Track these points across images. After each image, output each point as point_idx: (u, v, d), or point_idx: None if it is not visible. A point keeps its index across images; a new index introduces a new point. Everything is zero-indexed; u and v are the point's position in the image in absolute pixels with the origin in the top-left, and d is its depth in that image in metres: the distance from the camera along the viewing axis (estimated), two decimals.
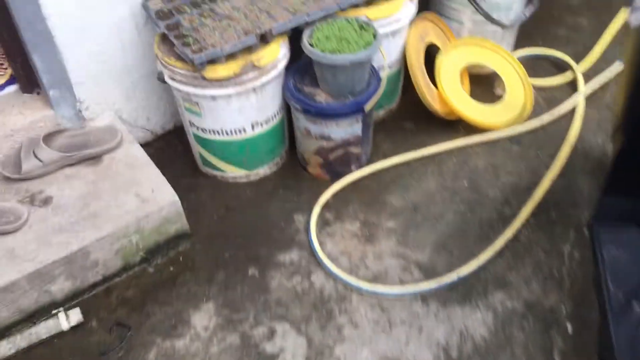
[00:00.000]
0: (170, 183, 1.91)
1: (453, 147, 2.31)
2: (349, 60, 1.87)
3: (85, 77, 2.02)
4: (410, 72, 2.31)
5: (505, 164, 2.23)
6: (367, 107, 2.00)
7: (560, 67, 2.68)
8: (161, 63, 1.93)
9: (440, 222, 2.03)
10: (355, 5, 2.01)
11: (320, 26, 1.97)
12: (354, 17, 2.01)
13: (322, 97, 2.00)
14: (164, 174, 1.95)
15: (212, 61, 1.82)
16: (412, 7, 2.16)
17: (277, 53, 1.93)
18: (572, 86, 2.55)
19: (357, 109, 1.99)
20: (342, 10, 1.98)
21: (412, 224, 2.03)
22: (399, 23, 2.12)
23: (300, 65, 2.05)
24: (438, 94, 2.35)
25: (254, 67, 1.87)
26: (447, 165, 2.24)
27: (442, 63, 2.39)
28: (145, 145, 2.30)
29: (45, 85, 1.97)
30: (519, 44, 2.69)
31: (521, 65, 2.42)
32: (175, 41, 1.86)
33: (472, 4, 2.33)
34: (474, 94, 2.43)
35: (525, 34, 2.68)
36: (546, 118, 2.40)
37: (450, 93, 2.34)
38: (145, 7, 1.96)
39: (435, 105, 2.32)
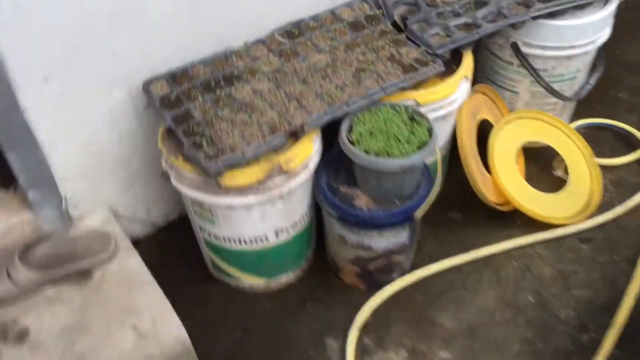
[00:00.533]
0: (174, 294, 1.53)
1: (511, 248, 1.93)
2: (399, 166, 1.50)
3: (73, 172, 1.65)
4: (462, 158, 1.94)
5: (575, 271, 1.86)
6: (418, 214, 1.63)
7: (624, 138, 2.31)
8: (166, 162, 1.55)
9: (504, 354, 1.65)
10: (403, 88, 1.63)
11: (361, 117, 1.60)
12: (402, 104, 1.63)
13: (362, 201, 1.63)
14: (166, 279, 1.58)
15: (231, 165, 1.44)
16: (467, 86, 1.79)
17: (310, 151, 1.56)
18: None
19: (405, 218, 1.62)
20: (388, 95, 1.60)
21: (469, 355, 1.65)
22: (452, 105, 1.76)
23: (333, 157, 1.68)
24: (492, 181, 1.98)
25: (281, 171, 1.50)
26: (505, 271, 1.87)
27: (496, 143, 2.02)
28: (145, 240, 1.94)
29: (23, 185, 1.59)
30: (576, 110, 2.32)
31: (586, 144, 2.05)
32: (184, 140, 1.48)
33: (532, 75, 1.97)
34: (530, 177, 2.07)
35: (582, 99, 2.31)
36: (619, 210, 2.02)
37: (506, 180, 1.97)
38: (147, 91, 1.59)
39: (489, 195, 1.95)
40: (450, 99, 1.74)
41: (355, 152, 1.52)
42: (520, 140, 2.06)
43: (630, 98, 2.52)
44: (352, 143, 1.56)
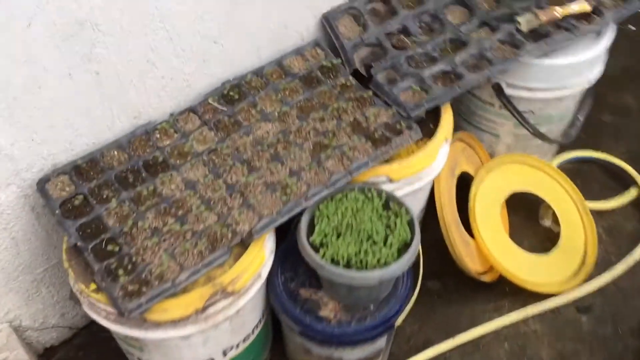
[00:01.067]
0: None
1: (502, 326, 1.65)
2: (377, 280, 1.18)
3: None
4: (442, 227, 1.64)
5: (576, 351, 1.59)
6: (398, 320, 1.31)
7: (613, 173, 2.05)
8: (74, 287, 1.19)
9: None
10: (374, 166, 1.30)
11: (324, 208, 1.27)
12: (374, 188, 1.30)
13: (329, 310, 1.30)
14: None
15: (158, 299, 1.09)
16: (447, 148, 1.47)
17: (261, 260, 1.22)
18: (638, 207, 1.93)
19: (383, 329, 1.30)
20: (352, 175, 1.27)
21: None
22: (430, 175, 1.44)
23: (289, 249, 1.35)
24: (475, 247, 1.68)
25: (226, 293, 1.15)
26: (498, 354, 1.59)
27: (477, 199, 1.72)
28: (62, 347, 1.57)
29: None
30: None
31: (576, 189, 1.78)
32: (94, 264, 1.12)
33: (517, 119, 1.66)
34: (515, 230, 1.81)
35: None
36: (619, 269, 1.77)
37: (491, 243, 1.69)
38: (42, 191, 1.20)
39: (472, 265, 1.66)
40: (429, 170, 1.41)
41: (320, 263, 1.18)
42: (504, 192, 1.77)
43: (615, 121, 2.26)
44: (315, 248, 1.22)
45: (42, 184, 1.23)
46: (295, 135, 1.35)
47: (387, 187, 1.37)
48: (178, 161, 1.30)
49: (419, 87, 1.44)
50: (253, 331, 1.38)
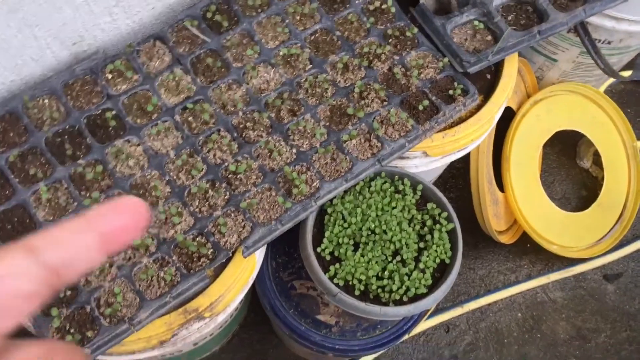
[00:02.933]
0: None
1: (517, 292, 1.44)
2: (403, 316, 0.90)
3: None
4: (472, 180, 1.33)
5: (596, 329, 1.41)
6: (410, 332, 1.07)
7: None
8: None
9: None
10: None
11: (339, 203, 0.94)
12: (404, 174, 0.96)
13: (330, 313, 1.05)
14: None
15: (109, 344, 0.80)
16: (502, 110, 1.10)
17: (251, 271, 0.91)
18: None
19: (395, 338, 1.06)
20: (382, 164, 0.92)
21: None
22: (476, 142, 1.09)
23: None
24: (503, 203, 1.40)
25: (202, 317, 0.87)
26: (508, 327, 1.39)
27: (515, 141, 1.39)
28: None
29: None
30: None
31: (630, 129, 1.48)
32: None
33: (590, 52, 1.27)
34: (548, 171, 1.50)
35: None
36: None
37: (522, 199, 1.39)
38: None
39: (497, 224, 1.38)
40: (478, 140, 1.06)
41: (330, 288, 0.88)
42: (547, 131, 1.44)
43: None
44: (322, 260, 0.91)
45: None
46: (306, 90, 0.95)
47: (417, 162, 1.02)
48: (138, 120, 0.91)
49: (483, 24, 1.02)
50: (227, 320, 1.12)
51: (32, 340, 0.23)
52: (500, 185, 1.39)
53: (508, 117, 1.39)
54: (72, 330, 0.78)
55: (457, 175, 1.51)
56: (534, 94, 1.44)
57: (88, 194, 0.86)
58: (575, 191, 1.54)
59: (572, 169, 1.58)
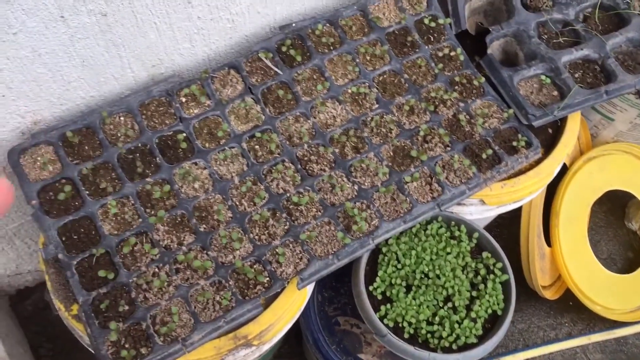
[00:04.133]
0: None
1: (556, 350, 1.41)
2: None
3: None
4: (522, 232, 1.32)
5: None
6: None
7: None
8: (52, 299, 0.90)
9: None
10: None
11: (394, 243, 0.93)
12: (461, 220, 0.96)
13: (372, 352, 1.04)
14: None
15: None
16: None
17: (301, 303, 0.91)
18: None
19: None
20: (442, 209, 0.92)
21: None
22: (533, 195, 1.08)
23: None
24: (550, 257, 1.38)
25: (250, 345, 0.87)
26: None
27: (565, 198, 1.38)
28: (37, 287, 1.34)
29: None
30: None
31: None
32: (79, 293, 0.83)
33: None
34: (595, 231, 1.48)
35: None
36: None
37: (569, 254, 1.37)
38: (15, 167, 0.87)
39: (542, 278, 1.36)
40: (535, 194, 1.05)
41: (379, 327, 0.88)
42: (598, 189, 1.42)
43: None
44: (374, 299, 0.91)
45: (15, 156, 0.87)
46: (371, 129, 0.97)
47: (472, 209, 1.02)
48: (207, 144, 0.93)
49: (550, 79, 1.03)
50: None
51: None
52: (547, 240, 1.38)
53: (560, 172, 1.38)
54: (127, 345, 0.79)
55: (502, 225, 1.50)
56: (587, 151, 1.43)
57: (153, 212, 0.87)
58: (621, 252, 1.52)
59: (619, 229, 1.56)
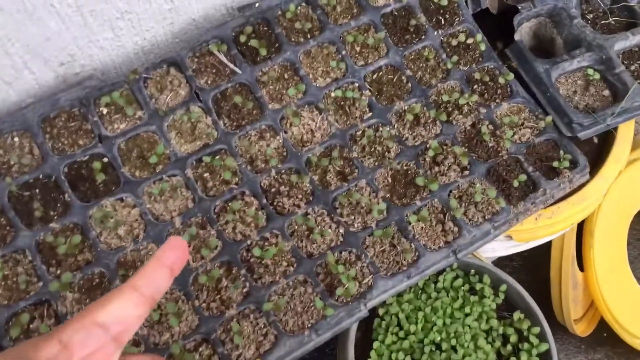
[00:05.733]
0: None
1: None
2: None
3: None
4: (553, 260, 1.08)
5: None
6: None
7: None
8: None
9: None
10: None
11: (394, 303, 0.69)
12: (484, 268, 0.71)
13: None
14: None
15: None
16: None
17: None
18: None
19: None
20: (458, 256, 0.67)
21: None
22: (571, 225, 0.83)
23: None
24: (582, 282, 1.14)
25: None
26: None
27: (601, 211, 1.13)
28: None
29: None
30: None
31: None
32: None
33: None
34: (634, 252, 1.24)
35: None
36: None
37: (605, 279, 1.13)
38: None
39: (574, 310, 1.12)
40: (576, 224, 0.80)
41: None
42: None
43: None
44: None
45: None
46: (362, 148, 0.71)
47: (496, 245, 0.77)
48: (137, 173, 0.67)
49: (599, 73, 0.77)
50: None
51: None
52: (580, 263, 1.13)
53: None
54: None
55: (526, 257, 1.26)
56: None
57: (58, 271, 0.62)
58: None
59: None
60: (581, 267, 1.13)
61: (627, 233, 1.15)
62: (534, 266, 1.22)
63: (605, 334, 1.19)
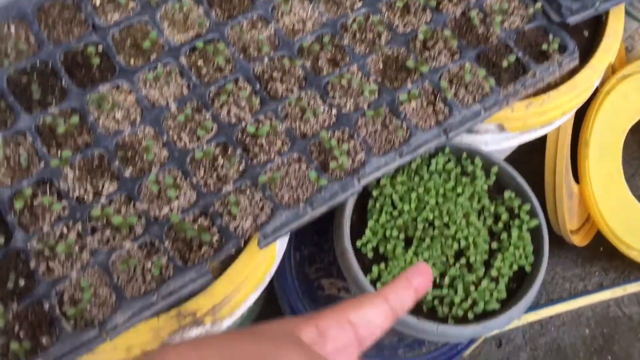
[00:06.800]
0: None
1: (586, 305, 1.20)
2: (469, 337, 0.67)
3: None
4: (547, 168, 1.10)
5: None
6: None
7: None
8: None
9: None
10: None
11: (387, 184, 0.71)
12: (475, 151, 0.73)
13: None
14: None
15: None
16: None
17: (269, 266, 0.69)
18: None
19: (450, 356, 0.84)
20: (449, 135, 0.68)
21: None
22: (564, 119, 0.85)
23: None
24: (578, 196, 1.16)
25: (201, 323, 0.65)
26: (572, 342, 1.16)
27: (596, 124, 1.15)
28: None
29: None
30: None
31: None
32: None
33: None
34: (629, 165, 1.26)
35: None
36: None
37: (601, 191, 1.15)
38: None
39: (570, 221, 1.14)
40: (569, 114, 0.82)
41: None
42: (637, 111, 1.19)
43: None
44: (363, 257, 0.69)
45: None
46: (353, 35, 0.72)
47: (488, 138, 0.79)
48: (132, 61, 0.69)
49: None
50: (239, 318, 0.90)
51: None
52: (575, 175, 1.15)
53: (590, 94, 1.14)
54: (21, 334, 0.57)
55: (518, 161, 1.26)
56: (620, 68, 1.19)
57: (58, 153, 0.64)
58: None
59: None
60: (577, 180, 1.15)
61: (621, 147, 1.16)
62: (529, 174, 1.23)
63: (601, 248, 1.21)
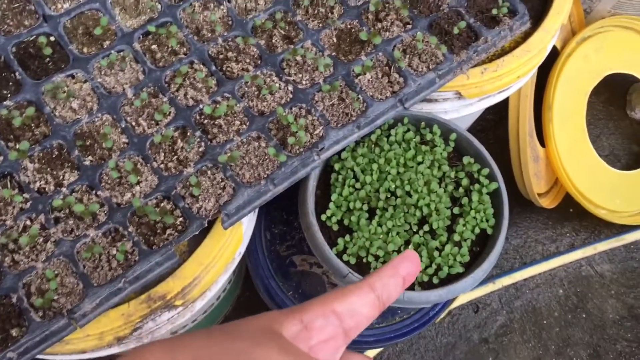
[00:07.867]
0: None
1: (559, 265, 1.23)
2: (434, 302, 0.69)
3: None
4: (511, 132, 1.12)
5: None
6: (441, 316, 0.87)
7: None
8: None
9: None
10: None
11: (349, 156, 0.72)
12: (433, 119, 0.74)
13: None
14: None
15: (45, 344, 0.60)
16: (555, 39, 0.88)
17: (237, 244, 0.70)
18: None
19: (422, 323, 0.86)
20: (406, 105, 0.69)
21: None
22: (521, 83, 0.87)
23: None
24: (544, 159, 1.18)
25: (172, 306, 0.66)
26: (549, 306, 1.19)
27: (559, 86, 1.16)
28: None
29: None
30: None
31: None
32: None
33: None
34: (593, 124, 1.28)
35: None
36: None
37: (566, 153, 1.17)
38: None
39: (537, 185, 1.17)
40: (525, 77, 0.83)
41: (338, 267, 0.67)
42: (597, 73, 1.21)
43: None
44: (328, 230, 0.70)
45: None
46: (305, 10, 0.73)
47: (447, 105, 0.80)
48: (85, 49, 0.69)
49: None
50: (216, 299, 0.92)
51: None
52: (541, 140, 1.17)
53: (551, 57, 1.15)
54: None
55: (486, 129, 1.28)
56: (580, 30, 1.20)
57: (16, 145, 0.64)
58: (625, 146, 1.32)
59: (621, 120, 1.35)
60: (542, 143, 1.16)
61: (585, 108, 1.18)
62: (496, 142, 1.25)
63: (571, 210, 1.23)
